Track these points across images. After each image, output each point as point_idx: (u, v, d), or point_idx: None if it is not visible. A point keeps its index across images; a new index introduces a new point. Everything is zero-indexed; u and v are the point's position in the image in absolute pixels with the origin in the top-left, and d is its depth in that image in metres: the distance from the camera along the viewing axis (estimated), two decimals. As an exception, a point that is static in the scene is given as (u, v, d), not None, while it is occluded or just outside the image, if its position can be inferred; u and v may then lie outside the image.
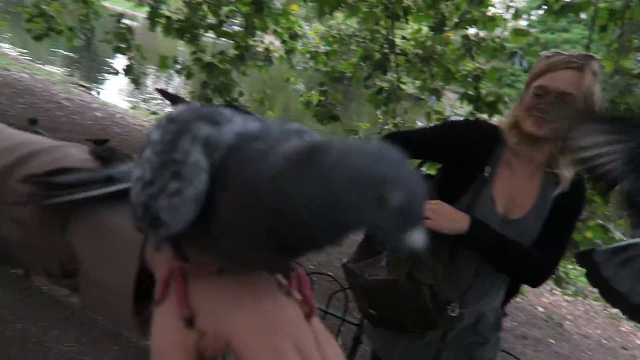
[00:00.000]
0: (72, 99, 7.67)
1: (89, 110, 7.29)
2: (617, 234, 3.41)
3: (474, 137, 1.39)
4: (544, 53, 1.38)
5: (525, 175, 1.37)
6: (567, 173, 1.33)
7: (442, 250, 1.34)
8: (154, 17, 5.85)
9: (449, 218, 1.29)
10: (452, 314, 1.29)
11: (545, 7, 3.61)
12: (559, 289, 5.50)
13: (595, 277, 0.91)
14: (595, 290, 1.05)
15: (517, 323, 4.33)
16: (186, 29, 5.86)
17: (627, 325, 5.02)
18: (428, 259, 1.29)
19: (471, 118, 3.54)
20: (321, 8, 3.86)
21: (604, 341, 4.48)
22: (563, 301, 5.29)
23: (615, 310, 4.05)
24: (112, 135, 6.32)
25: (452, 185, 1.39)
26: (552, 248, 1.36)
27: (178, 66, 6.13)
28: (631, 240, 0.96)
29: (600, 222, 3.45)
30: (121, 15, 5.62)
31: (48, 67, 10.95)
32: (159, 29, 5.93)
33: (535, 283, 1.41)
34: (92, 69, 13.21)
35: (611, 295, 0.88)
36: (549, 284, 5.60)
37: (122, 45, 5.82)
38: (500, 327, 1.47)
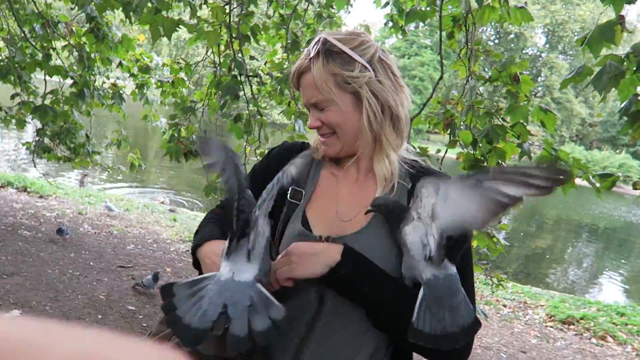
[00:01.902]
0: None
1: None
2: (502, 239, 3.34)
3: (283, 157, 1.10)
4: None
5: (352, 182, 1.10)
6: (386, 170, 1.05)
7: None
8: (-40, 59, 4.90)
9: (315, 254, 0.96)
10: None
11: (391, 22, 3.51)
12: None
13: (168, 307, 0.82)
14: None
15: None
16: (7, 69, 4.97)
17: (519, 325, 5.12)
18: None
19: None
20: (155, 30, 3.37)
21: (504, 349, 4.45)
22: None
23: (505, 312, 3.97)
24: None
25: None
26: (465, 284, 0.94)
27: (3, 115, 5.22)
28: (206, 275, 0.89)
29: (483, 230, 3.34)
30: None
31: None
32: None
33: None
34: None
35: (176, 324, 0.81)
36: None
37: None
38: None
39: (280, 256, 0.97)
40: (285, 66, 4.15)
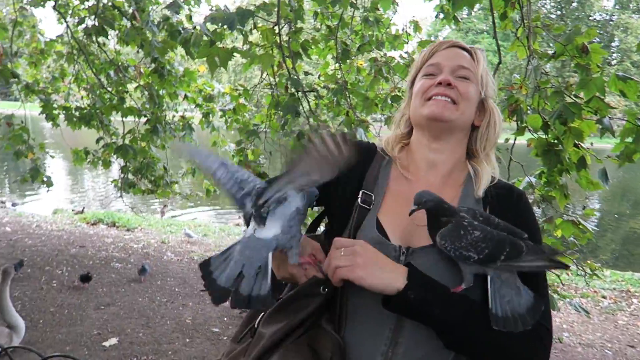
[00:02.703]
0: None
1: (-4, 227, 6.70)
2: (589, 226, 3.09)
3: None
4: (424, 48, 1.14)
5: (427, 186, 1.02)
6: (488, 169, 1.05)
7: (334, 315, 0.98)
8: (48, 111, 5.42)
9: (381, 267, 0.89)
10: None
11: (442, 13, 3.41)
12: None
13: (208, 279, 0.87)
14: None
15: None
16: (90, 115, 5.43)
17: (623, 317, 4.69)
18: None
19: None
20: (212, 62, 3.52)
21: (608, 345, 4.09)
22: (553, 310, 4.92)
23: (605, 304, 3.66)
24: (22, 249, 5.71)
25: (333, 225, 1.04)
26: (539, 294, 0.93)
27: (91, 157, 5.69)
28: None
29: (567, 217, 3.12)
30: (10, 117, 5.13)
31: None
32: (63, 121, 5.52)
33: None
34: (8, 180, 12.64)
35: (210, 285, 0.87)
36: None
37: (22, 149, 5.28)
38: None
39: (344, 248, 0.91)
40: (339, 76, 4.17)
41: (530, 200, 3.20)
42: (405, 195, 1.02)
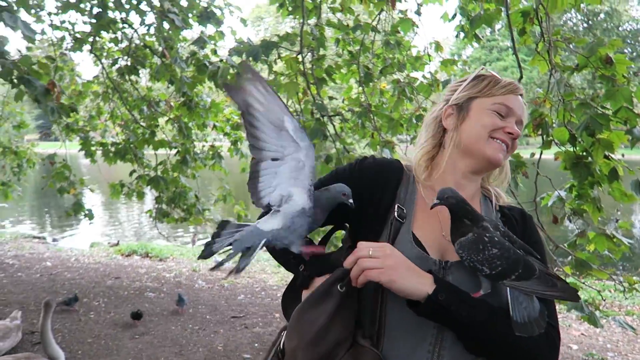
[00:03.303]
0: (21, 255, 7.39)
1: (38, 262, 6.95)
2: (624, 239, 2.99)
3: (378, 173, 1.10)
4: (479, 71, 1.17)
5: None
6: (502, 195, 1.15)
7: (370, 328, 0.98)
8: (87, 148, 5.67)
9: (410, 270, 0.92)
10: None
11: (462, 32, 3.45)
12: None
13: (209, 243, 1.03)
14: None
15: (552, 372, 3.73)
16: (124, 150, 5.65)
17: (671, 337, 4.45)
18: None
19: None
20: (239, 92, 3.63)
21: (655, 365, 3.89)
22: (596, 327, 4.71)
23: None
24: (62, 283, 5.88)
25: (362, 237, 1.02)
26: (548, 314, 0.98)
27: (126, 190, 5.88)
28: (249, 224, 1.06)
29: (600, 231, 3.03)
30: (53, 156, 5.41)
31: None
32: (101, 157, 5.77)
33: None
34: (49, 216, 13.13)
35: (208, 245, 1.03)
36: (573, 310, 5.06)
37: (64, 185, 5.52)
38: None
39: (372, 249, 0.92)
40: (362, 99, 4.24)
41: (560, 216, 3.16)
42: (433, 212, 1.05)
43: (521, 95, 1.13)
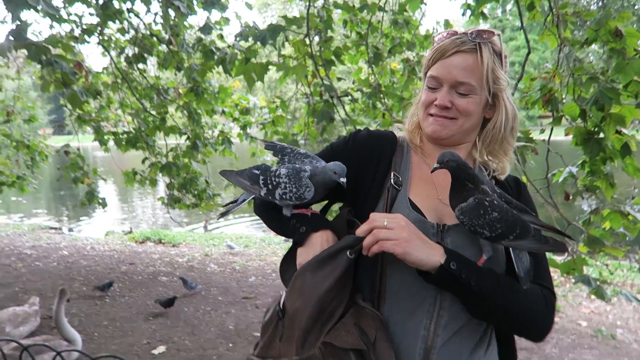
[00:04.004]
0: (39, 245, 7.52)
1: (54, 252, 7.08)
2: (639, 216, 2.95)
3: (372, 144, 1.12)
4: (436, 35, 1.11)
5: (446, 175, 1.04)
6: (498, 162, 1.11)
7: (371, 291, 0.99)
8: (100, 137, 5.74)
9: (422, 241, 0.94)
10: None
11: (469, 11, 3.40)
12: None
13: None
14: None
15: (562, 349, 3.75)
16: (136, 138, 5.70)
17: (684, 314, 4.43)
18: (349, 320, 0.95)
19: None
20: (250, 78, 3.65)
21: (666, 342, 3.88)
22: (606, 305, 4.70)
23: (662, 300, 3.41)
24: (78, 270, 6.00)
25: (360, 205, 1.05)
26: (542, 278, 1.04)
27: (139, 177, 5.95)
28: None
29: (614, 208, 3.00)
30: (67, 146, 5.48)
31: (15, 218, 11.01)
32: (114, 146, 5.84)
33: (540, 336, 1.02)
34: (65, 208, 13.34)
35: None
36: (585, 289, 5.05)
37: (78, 175, 5.60)
38: None
39: (387, 220, 0.93)
40: (372, 80, 4.22)
41: (572, 192, 3.14)
42: (428, 178, 1.08)
43: (460, 50, 1.02)
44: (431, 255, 0.92)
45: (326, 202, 1.22)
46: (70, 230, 9.84)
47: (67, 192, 13.71)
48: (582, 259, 2.76)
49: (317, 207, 1.17)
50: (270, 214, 1.13)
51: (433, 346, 0.96)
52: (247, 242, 7.79)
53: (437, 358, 0.96)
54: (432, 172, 0.99)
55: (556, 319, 4.31)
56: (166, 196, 5.87)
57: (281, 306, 1.01)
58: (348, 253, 0.96)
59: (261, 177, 1.07)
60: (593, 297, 4.86)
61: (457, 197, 0.97)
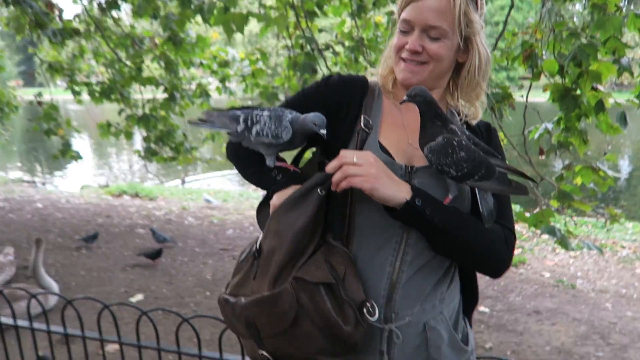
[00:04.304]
0: (12, 198, 7.38)
1: (28, 204, 6.97)
2: (610, 172, 3.06)
3: (343, 88, 1.10)
4: None
5: (418, 114, 1.05)
6: (470, 107, 1.11)
7: (340, 230, 1.01)
8: (73, 85, 5.55)
9: (390, 178, 0.95)
10: (376, 322, 0.97)
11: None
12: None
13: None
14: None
15: (525, 297, 3.95)
16: (110, 89, 5.53)
17: (640, 267, 4.68)
18: (321, 257, 0.97)
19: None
20: (229, 28, 3.55)
21: (622, 291, 4.11)
22: (569, 258, 4.94)
23: (625, 253, 3.65)
24: (53, 222, 5.94)
25: (331, 149, 1.04)
26: (504, 219, 1.07)
27: (114, 129, 5.82)
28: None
29: (587, 164, 3.09)
30: (39, 95, 5.29)
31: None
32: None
33: (499, 272, 1.07)
34: (38, 162, 13.04)
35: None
36: (550, 244, 5.27)
37: (52, 126, 5.43)
38: (469, 347, 1.10)
39: (356, 156, 0.94)
40: (355, 33, 4.15)
41: (547, 149, 3.21)
42: (399, 123, 1.08)
43: None
44: (398, 192, 0.93)
45: (299, 149, 1.21)
46: (45, 184, 9.66)
47: (40, 145, 13.35)
48: (549, 212, 2.86)
49: (290, 155, 1.17)
50: (247, 160, 1.13)
51: (398, 282, 1.00)
52: (225, 197, 7.80)
53: (402, 292, 1.00)
54: (400, 104, 1.01)
55: (521, 271, 4.51)
56: (143, 149, 5.78)
57: (257, 247, 1.03)
58: (319, 190, 0.98)
59: (242, 116, 1.06)
60: (557, 251, 5.08)
61: (426, 135, 0.98)
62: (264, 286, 0.97)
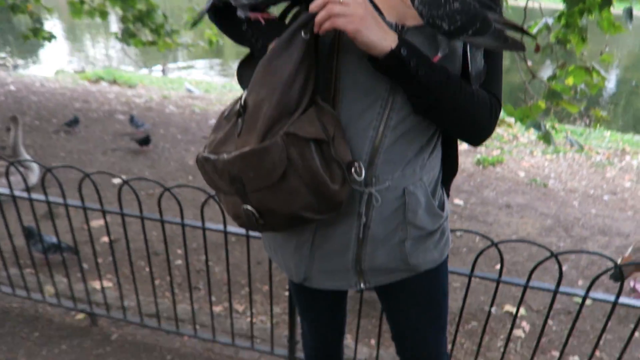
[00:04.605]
0: None
1: (1, 86, 6.66)
2: (602, 72, 3.03)
3: None
4: None
5: None
6: None
7: (327, 94, 0.96)
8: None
9: (377, 23, 0.87)
10: (357, 186, 0.97)
11: None
12: (539, 150, 5.29)
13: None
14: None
15: (499, 193, 4.10)
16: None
17: (612, 171, 4.85)
18: (313, 113, 0.92)
19: None
20: None
21: (590, 191, 4.29)
22: (545, 161, 5.08)
23: (598, 158, 3.76)
24: (28, 105, 5.75)
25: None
26: (492, 85, 1.01)
27: (87, 7, 5.43)
28: None
29: (581, 64, 3.04)
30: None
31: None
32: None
33: (479, 138, 1.04)
34: (7, 44, 12.30)
35: None
36: (529, 147, 5.38)
37: (18, 2, 5.02)
38: (444, 214, 1.11)
39: None
40: None
41: (543, 45, 3.13)
42: None
43: None
44: (383, 39, 0.86)
45: (285, 6, 1.13)
46: (16, 67, 9.21)
47: (6, 26, 12.52)
48: (536, 106, 2.86)
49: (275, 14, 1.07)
50: (227, 21, 1.05)
51: (380, 146, 0.98)
52: (208, 87, 7.58)
53: (383, 157, 0.99)
54: None
55: (498, 169, 4.65)
56: (120, 31, 5.46)
57: (242, 102, 0.98)
58: (302, 33, 0.91)
59: None
60: (535, 154, 5.21)
61: None
62: (251, 141, 0.92)
